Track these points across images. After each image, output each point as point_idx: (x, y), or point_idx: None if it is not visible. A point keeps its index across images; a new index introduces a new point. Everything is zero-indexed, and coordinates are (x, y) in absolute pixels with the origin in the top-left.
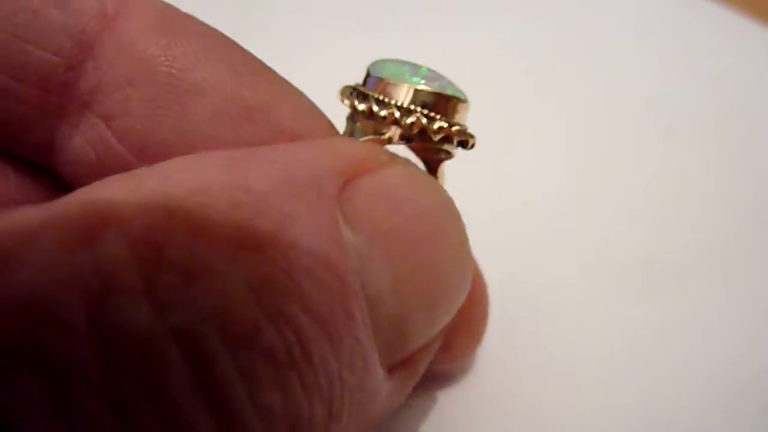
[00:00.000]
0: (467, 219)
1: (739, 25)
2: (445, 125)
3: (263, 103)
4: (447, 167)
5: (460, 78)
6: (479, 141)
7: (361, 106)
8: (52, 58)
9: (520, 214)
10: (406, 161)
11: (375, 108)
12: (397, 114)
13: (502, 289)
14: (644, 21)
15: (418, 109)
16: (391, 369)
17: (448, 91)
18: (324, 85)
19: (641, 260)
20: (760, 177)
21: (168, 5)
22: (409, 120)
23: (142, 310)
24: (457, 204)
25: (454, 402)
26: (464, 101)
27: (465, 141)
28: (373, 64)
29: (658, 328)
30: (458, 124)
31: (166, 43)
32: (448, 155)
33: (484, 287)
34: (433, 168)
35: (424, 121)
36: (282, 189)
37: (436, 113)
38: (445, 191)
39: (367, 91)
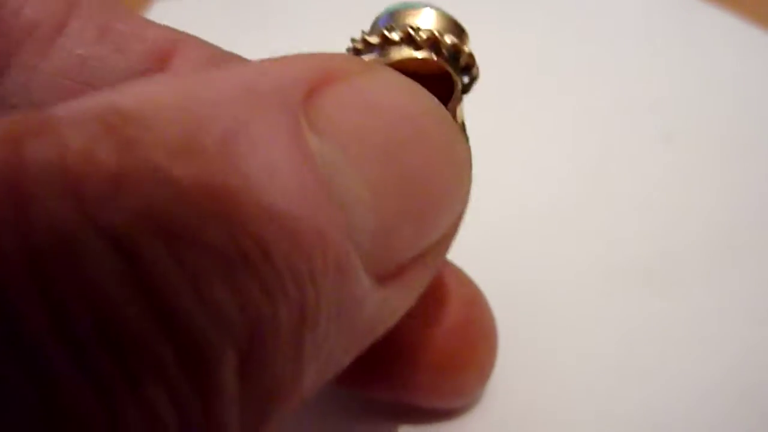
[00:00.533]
0: (465, 221)
1: (741, 30)
2: (457, 41)
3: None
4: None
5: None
6: (478, 142)
7: (374, 39)
8: None
9: (519, 217)
10: (386, 68)
11: (387, 33)
12: (411, 32)
13: (501, 292)
14: (645, 25)
15: (430, 27)
16: (382, 279)
17: (458, 20)
18: None
19: (642, 263)
20: (760, 181)
21: None
22: (423, 35)
23: (68, 212)
24: None
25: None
26: (468, 35)
27: (471, 65)
28: (384, 10)
29: (660, 332)
30: (467, 46)
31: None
32: (461, 86)
33: (492, 321)
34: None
35: (437, 35)
36: (236, 98)
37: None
38: (430, 96)
39: (376, 28)
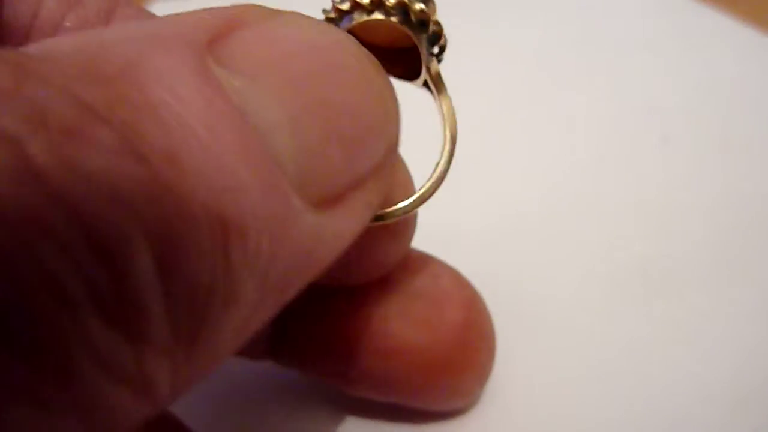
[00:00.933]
0: (464, 220)
1: (737, 32)
2: (425, 8)
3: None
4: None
5: (456, 79)
6: (475, 143)
7: (344, 5)
8: None
9: (516, 219)
10: (294, 12)
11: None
12: (407, 1)
13: (500, 294)
14: (642, 26)
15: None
16: (317, 203)
17: None
18: None
19: (639, 267)
20: (758, 182)
21: None
22: (416, 6)
23: None
24: (455, 209)
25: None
26: (435, 4)
27: (439, 33)
28: None
29: (657, 336)
30: (434, 15)
31: None
32: (423, 55)
33: (489, 323)
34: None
35: (406, 0)
36: (138, 38)
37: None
38: (340, 32)
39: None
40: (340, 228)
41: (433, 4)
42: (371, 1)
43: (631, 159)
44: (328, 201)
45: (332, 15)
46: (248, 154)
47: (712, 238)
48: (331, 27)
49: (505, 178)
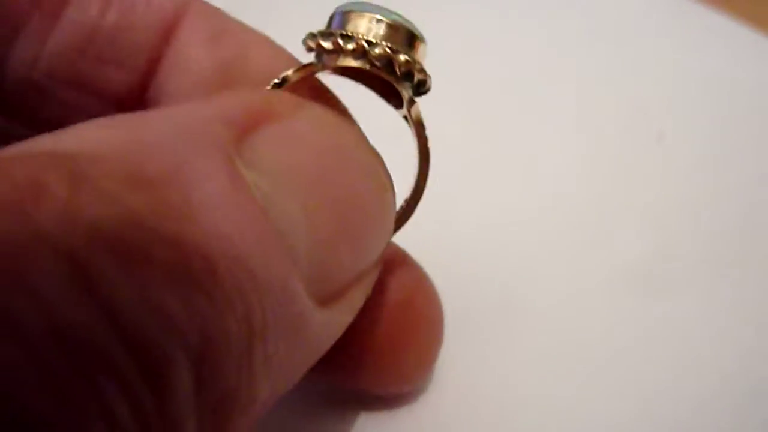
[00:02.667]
0: (461, 221)
1: (731, 30)
2: (410, 59)
3: (237, 63)
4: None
5: (453, 80)
6: (472, 143)
7: (327, 44)
8: None
9: (512, 220)
10: (314, 106)
11: (341, 42)
12: (366, 46)
13: (498, 294)
14: (637, 25)
15: (384, 42)
16: (324, 301)
17: (412, 29)
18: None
19: (636, 267)
20: (754, 181)
21: None
22: (377, 51)
23: (17, 225)
24: (452, 208)
25: (440, 405)
26: (424, 41)
27: (423, 81)
28: (337, 8)
29: (655, 336)
30: (417, 61)
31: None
32: (405, 100)
33: (437, 306)
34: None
35: (390, 52)
36: (173, 137)
37: (398, 47)
38: (355, 131)
39: (332, 30)
40: (341, 321)
41: (420, 41)
42: (355, 49)
43: (627, 159)
44: (333, 297)
45: (313, 45)
46: (273, 261)
47: (710, 238)
48: (344, 123)
49: (500, 177)
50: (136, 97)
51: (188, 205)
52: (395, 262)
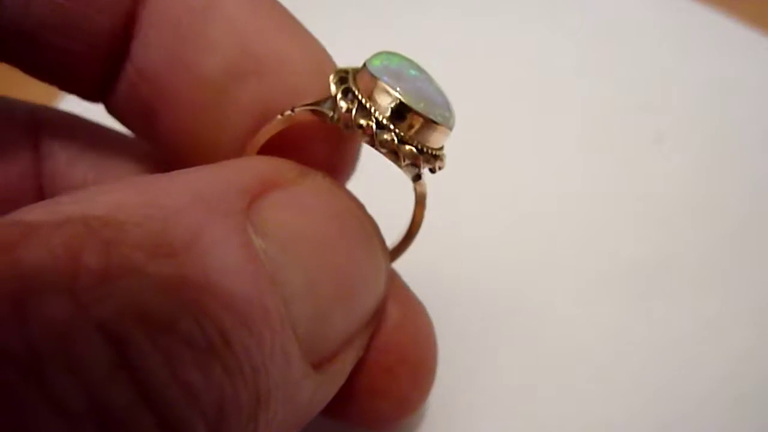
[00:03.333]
0: (462, 222)
1: (733, 31)
2: (415, 150)
3: (275, 59)
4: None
5: (453, 82)
6: (474, 145)
7: (343, 104)
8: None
9: (512, 221)
10: (316, 174)
11: (354, 114)
12: (375, 128)
13: (499, 296)
14: (637, 26)
15: (394, 130)
16: (316, 365)
17: (435, 116)
18: None
19: (635, 267)
20: (754, 184)
21: None
22: (384, 137)
23: (62, 306)
24: (452, 209)
25: (445, 407)
26: (446, 127)
27: (432, 168)
28: (373, 57)
29: (654, 337)
30: (430, 149)
31: None
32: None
33: (431, 334)
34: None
35: (396, 141)
36: (192, 204)
37: (413, 134)
38: (352, 198)
39: (354, 88)
40: (333, 383)
41: (443, 128)
42: (364, 128)
43: (628, 159)
44: (326, 361)
45: (333, 92)
46: (277, 329)
47: (709, 239)
48: (344, 193)
49: (500, 177)
50: (120, 43)
51: (206, 276)
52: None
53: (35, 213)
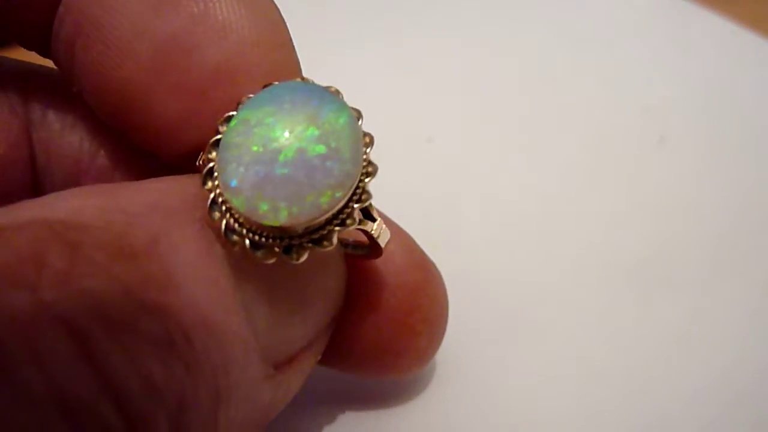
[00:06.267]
0: (463, 222)
1: (734, 33)
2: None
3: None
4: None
5: (453, 83)
6: (475, 146)
7: (208, 184)
8: None
9: (512, 221)
10: None
11: (209, 203)
12: (222, 228)
13: (499, 293)
14: (639, 28)
15: (268, 239)
16: (276, 367)
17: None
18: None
19: (636, 267)
20: (754, 182)
21: None
22: (233, 237)
23: (26, 301)
24: (453, 208)
25: (446, 407)
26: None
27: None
28: (229, 131)
29: (653, 335)
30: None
31: None
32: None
33: (445, 295)
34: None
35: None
36: (154, 210)
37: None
38: None
39: (213, 181)
40: (292, 385)
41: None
42: (235, 243)
43: (628, 160)
44: (285, 363)
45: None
46: (238, 331)
47: (710, 238)
48: None
49: (500, 177)
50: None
51: (167, 276)
52: (396, 245)
53: (2, 215)
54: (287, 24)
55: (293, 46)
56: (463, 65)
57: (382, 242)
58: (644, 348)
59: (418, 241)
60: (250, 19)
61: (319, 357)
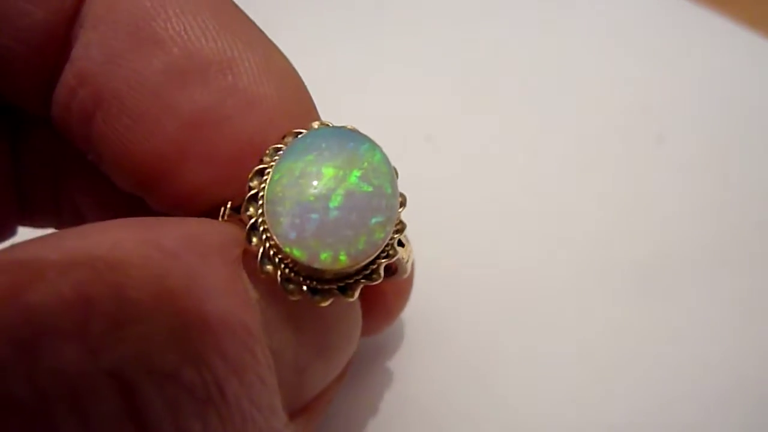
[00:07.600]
0: (463, 221)
1: (732, 32)
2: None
3: (222, 62)
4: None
5: (452, 81)
6: (475, 145)
7: (254, 240)
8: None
9: (512, 220)
10: None
11: (260, 258)
12: (279, 280)
13: (497, 295)
14: (637, 27)
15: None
16: (293, 415)
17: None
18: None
19: (635, 266)
20: (752, 182)
21: None
22: (290, 287)
23: (74, 352)
24: (454, 208)
25: (436, 407)
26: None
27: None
28: (279, 177)
29: (652, 334)
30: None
31: None
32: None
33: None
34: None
35: (305, 289)
36: (190, 249)
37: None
38: None
39: (261, 226)
40: None
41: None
42: (268, 271)
43: (626, 159)
44: (300, 411)
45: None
46: (266, 381)
47: (710, 238)
48: None
49: (500, 177)
50: (60, 43)
51: (204, 323)
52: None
53: (37, 249)
54: (286, 23)
55: (314, 106)
56: (462, 64)
57: (410, 264)
58: (645, 347)
59: (417, 240)
60: (275, 88)
61: (331, 403)
